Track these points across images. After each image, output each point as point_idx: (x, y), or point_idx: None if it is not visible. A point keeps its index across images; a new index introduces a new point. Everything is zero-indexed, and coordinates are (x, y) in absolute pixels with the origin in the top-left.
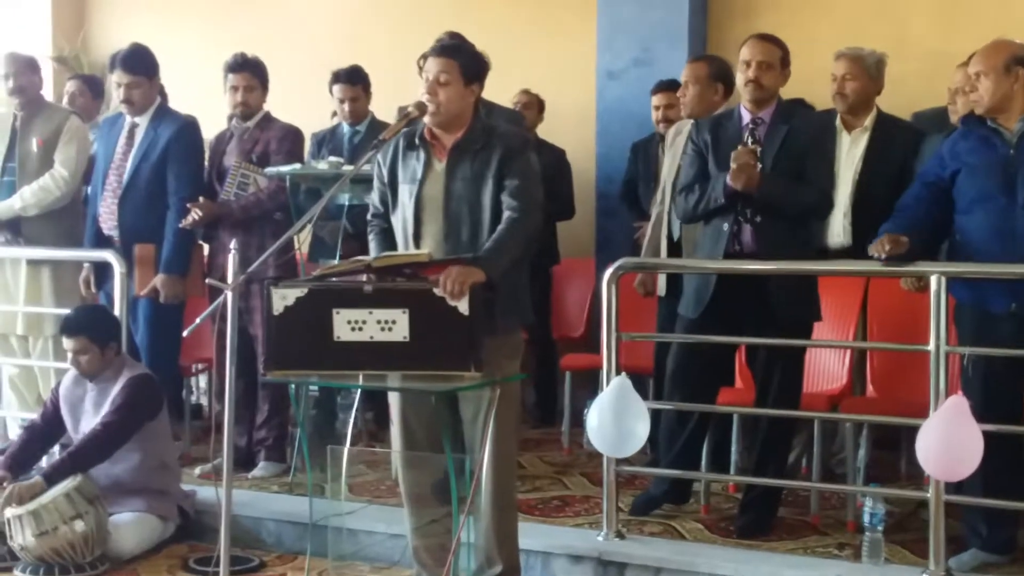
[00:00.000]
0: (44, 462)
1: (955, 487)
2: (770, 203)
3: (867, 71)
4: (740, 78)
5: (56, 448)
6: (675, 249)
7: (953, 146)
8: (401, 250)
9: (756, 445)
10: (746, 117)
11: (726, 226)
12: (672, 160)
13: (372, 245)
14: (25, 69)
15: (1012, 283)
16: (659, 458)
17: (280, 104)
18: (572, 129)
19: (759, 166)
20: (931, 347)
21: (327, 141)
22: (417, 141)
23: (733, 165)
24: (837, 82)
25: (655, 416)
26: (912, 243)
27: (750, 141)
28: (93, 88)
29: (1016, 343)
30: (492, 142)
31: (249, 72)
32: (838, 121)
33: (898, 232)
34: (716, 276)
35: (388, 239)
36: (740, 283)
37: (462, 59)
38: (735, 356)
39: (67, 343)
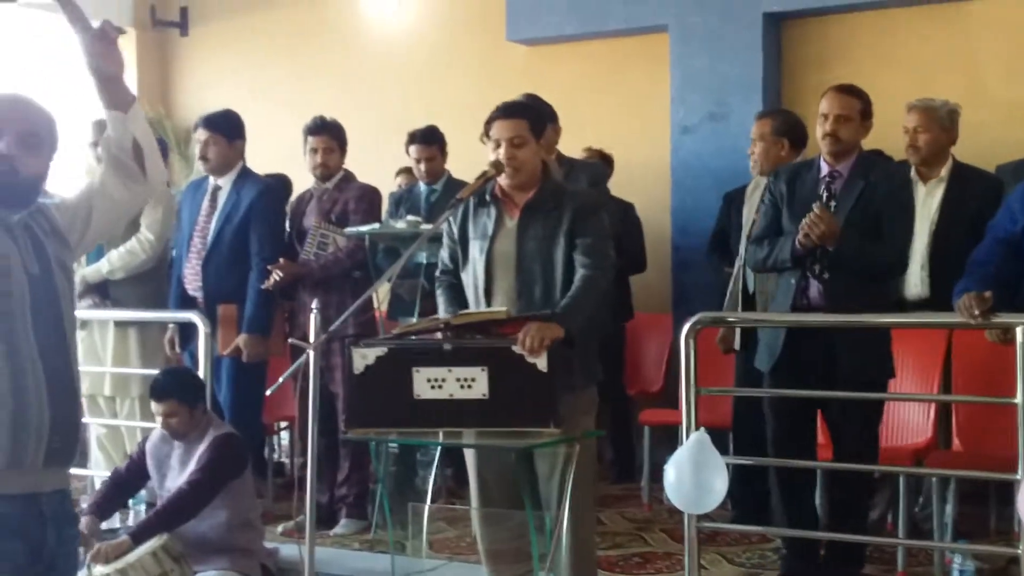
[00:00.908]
0: (131, 518)
1: None
2: (842, 261)
3: (939, 122)
4: (818, 131)
5: (143, 507)
6: (749, 302)
7: (1022, 197)
8: (472, 306)
9: (831, 504)
10: (824, 169)
11: (793, 280)
12: (749, 213)
13: (440, 300)
14: None
15: None
16: (774, 516)
17: (358, 165)
18: (646, 184)
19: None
20: (1018, 400)
21: (404, 200)
22: (488, 198)
23: (804, 227)
24: (910, 135)
25: (737, 473)
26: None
27: (825, 195)
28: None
29: None
30: (563, 201)
31: (328, 134)
32: (913, 173)
33: (976, 289)
34: (786, 330)
35: (456, 294)
36: (809, 337)
37: (529, 116)
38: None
39: (156, 407)
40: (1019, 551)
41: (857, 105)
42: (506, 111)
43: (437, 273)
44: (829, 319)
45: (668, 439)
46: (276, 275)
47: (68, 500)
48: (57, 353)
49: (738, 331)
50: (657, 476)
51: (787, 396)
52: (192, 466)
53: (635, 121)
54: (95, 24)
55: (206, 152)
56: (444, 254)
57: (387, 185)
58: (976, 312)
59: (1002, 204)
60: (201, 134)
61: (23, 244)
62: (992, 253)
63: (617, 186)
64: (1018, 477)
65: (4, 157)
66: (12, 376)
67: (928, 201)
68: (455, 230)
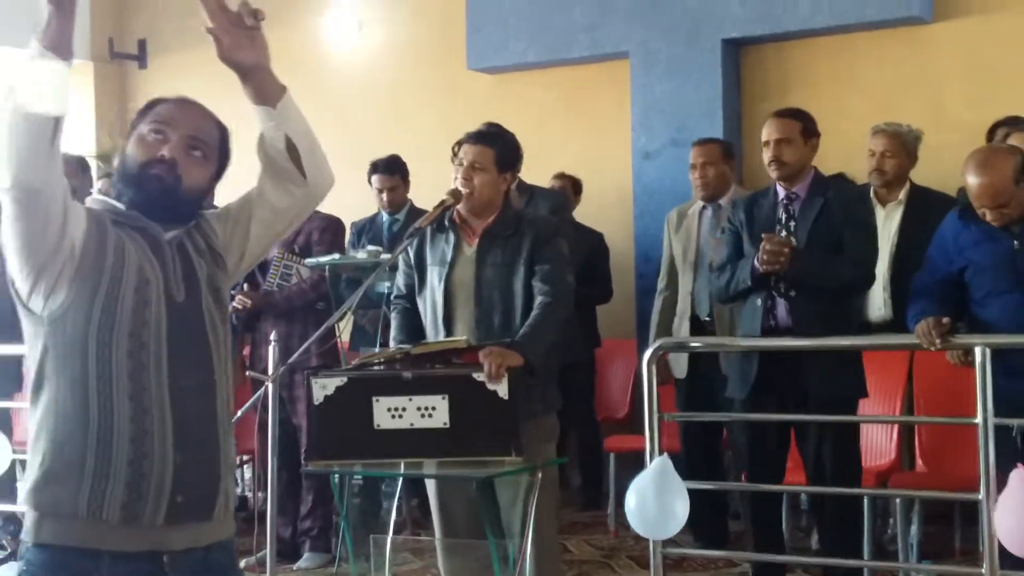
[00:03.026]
0: None
1: (1011, 562)
2: (803, 281)
3: (906, 148)
4: (765, 157)
5: None
6: (702, 329)
7: (956, 239)
8: (431, 334)
9: (827, 528)
10: (781, 193)
11: (759, 302)
12: (682, 243)
13: (394, 324)
14: (76, 170)
15: None
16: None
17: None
18: (610, 210)
19: (792, 245)
20: (979, 420)
21: (367, 230)
22: (447, 223)
23: (762, 253)
24: (876, 158)
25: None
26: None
27: (784, 217)
28: None
29: None
30: (522, 228)
31: None
32: (871, 195)
33: (933, 313)
34: (758, 355)
35: (410, 318)
36: (780, 361)
37: (497, 147)
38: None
39: None
40: (983, 571)
41: (796, 126)
42: (477, 136)
43: (392, 297)
44: (790, 343)
45: (634, 465)
46: (240, 302)
47: (213, 555)
48: (196, 393)
49: (684, 359)
50: (623, 502)
51: (761, 422)
52: None
53: (598, 148)
54: (232, 8)
55: None
56: (399, 280)
57: (349, 215)
58: (936, 337)
59: (935, 237)
60: None
61: (171, 265)
62: (931, 291)
63: (580, 213)
64: (980, 497)
65: (166, 162)
66: (133, 419)
67: (888, 224)
68: (412, 256)
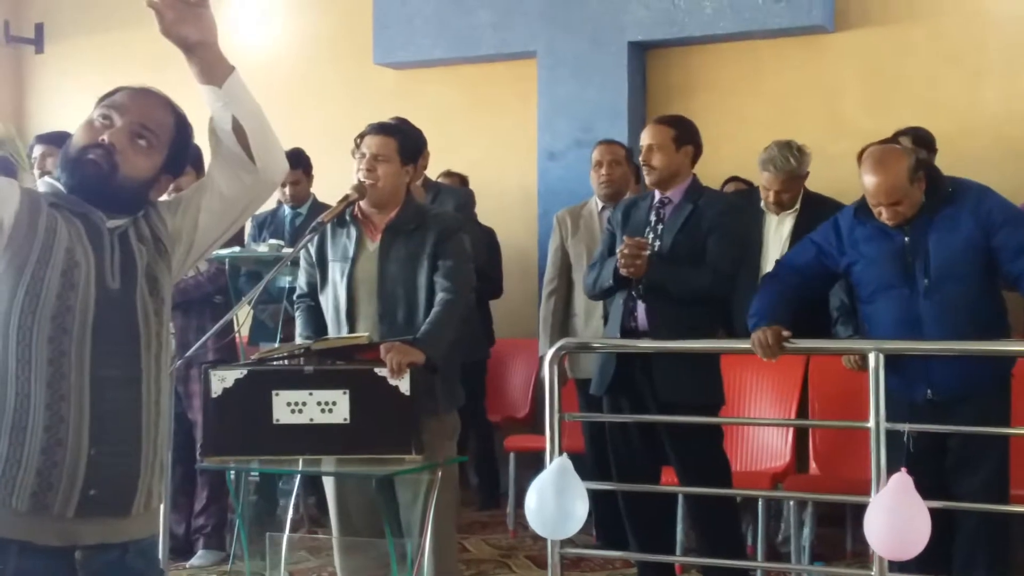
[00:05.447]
0: None
1: (899, 564)
2: (657, 289)
3: (798, 178)
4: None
5: None
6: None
7: (851, 232)
8: (333, 330)
9: (702, 532)
10: (656, 197)
11: (621, 301)
12: (585, 243)
13: (299, 322)
14: None
15: (927, 371)
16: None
17: None
18: (514, 209)
19: (650, 250)
20: (871, 424)
21: (268, 223)
22: (348, 219)
23: (619, 255)
24: (772, 195)
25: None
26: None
27: (654, 221)
28: (7, 171)
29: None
30: (426, 223)
31: None
32: (763, 204)
33: (774, 307)
34: (616, 354)
35: (315, 316)
36: (636, 362)
37: (400, 138)
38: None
39: None
40: (873, 572)
41: (669, 133)
42: (378, 128)
43: (295, 297)
44: (678, 346)
45: (534, 465)
46: None
47: (129, 556)
48: (118, 385)
49: (592, 359)
50: (522, 502)
51: (628, 422)
52: None
53: (503, 146)
54: None
55: (44, 165)
56: (301, 279)
57: None
58: (773, 351)
59: (827, 223)
60: (37, 149)
61: (108, 252)
62: (802, 270)
63: (485, 212)
64: (871, 500)
65: (104, 147)
66: (49, 406)
67: (780, 230)
68: (312, 253)
